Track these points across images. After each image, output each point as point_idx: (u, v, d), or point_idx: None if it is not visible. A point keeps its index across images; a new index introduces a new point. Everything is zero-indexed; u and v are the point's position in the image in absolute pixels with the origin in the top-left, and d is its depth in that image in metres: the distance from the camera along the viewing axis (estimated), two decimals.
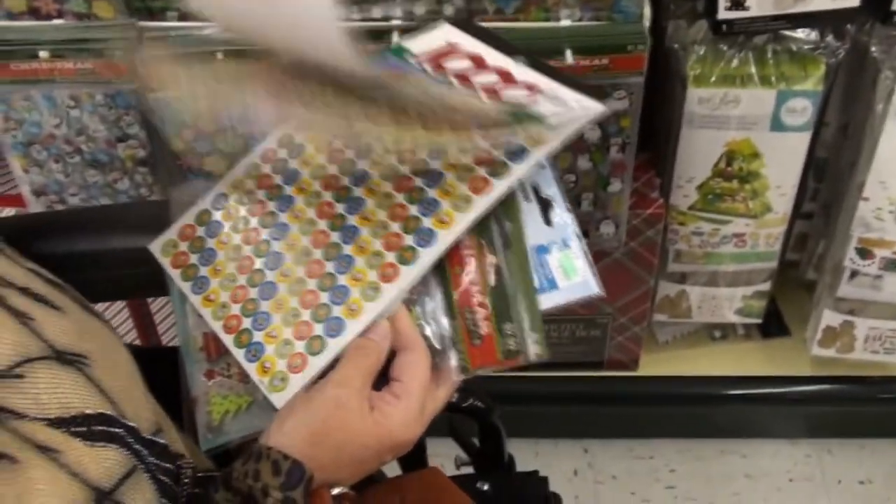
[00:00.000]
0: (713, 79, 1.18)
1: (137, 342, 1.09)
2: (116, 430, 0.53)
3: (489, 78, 0.73)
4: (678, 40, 1.19)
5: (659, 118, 1.28)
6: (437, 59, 0.76)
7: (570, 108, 0.69)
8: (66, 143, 1.11)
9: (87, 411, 0.52)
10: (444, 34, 0.79)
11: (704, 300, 1.45)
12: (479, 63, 0.75)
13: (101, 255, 0.72)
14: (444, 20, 0.81)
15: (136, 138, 1.12)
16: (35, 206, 1.18)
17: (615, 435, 1.61)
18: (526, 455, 1.56)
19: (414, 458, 0.94)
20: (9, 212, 1.26)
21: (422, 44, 0.78)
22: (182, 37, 1.05)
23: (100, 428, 0.52)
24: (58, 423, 0.50)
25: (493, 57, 0.75)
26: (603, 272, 0.70)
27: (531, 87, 0.71)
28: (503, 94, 0.71)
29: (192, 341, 0.70)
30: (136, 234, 0.72)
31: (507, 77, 0.73)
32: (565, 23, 1.05)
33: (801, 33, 1.17)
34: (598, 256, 1.28)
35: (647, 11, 1.06)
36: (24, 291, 0.55)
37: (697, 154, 1.25)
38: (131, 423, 0.55)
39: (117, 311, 1.15)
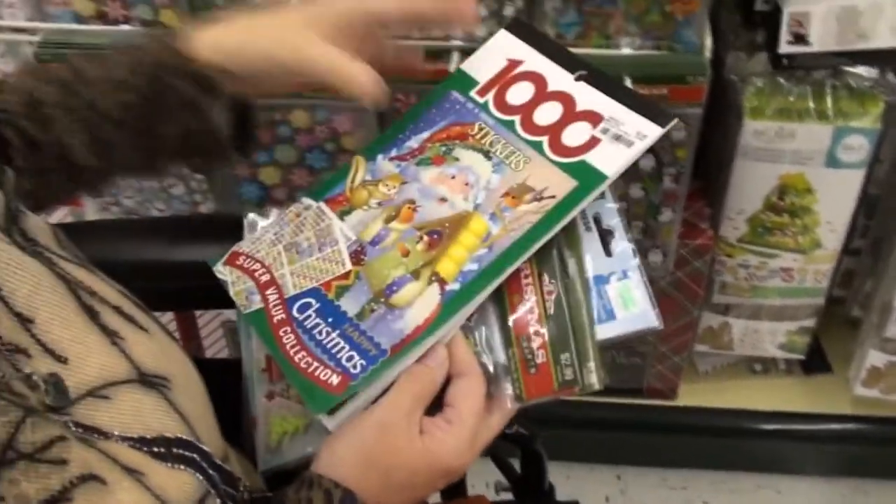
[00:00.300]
0: (770, 112, 1.17)
1: None
2: (192, 454, 0.53)
3: (552, 113, 0.72)
4: (737, 72, 1.18)
5: (712, 148, 1.28)
6: (501, 88, 0.75)
7: (629, 147, 0.69)
8: None
9: (167, 434, 0.52)
10: (503, 47, 0.78)
11: (747, 333, 1.44)
12: (540, 88, 0.74)
13: (168, 265, 0.73)
14: (504, 28, 0.81)
15: None
16: (91, 208, 1.20)
17: (650, 463, 1.60)
18: (558, 478, 1.55)
19: (454, 485, 0.93)
20: (64, 212, 1.28)
21: (483, 65, 0.78)
22: None
23: (178, 451, 0.52)
24: (140, 444, 0.51)
25: (554, 76, 0.74)
26: None
27: (593, 118, 0.71)
28: (564, 140, 0.70)
29: (255, 363, 0.71)
30: (203, 247, 0.72)
31: (569, 106, 0.72)
32: (625, 51, 1.05)
33: (860, 70, 1.17)
34: None
35: (708, 42, 1.05)
36: (117, 310, 0.56)
37: (749, 186, 1.25)
38: (206, 449, 0.55)
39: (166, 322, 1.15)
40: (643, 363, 1.44)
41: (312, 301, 0.67)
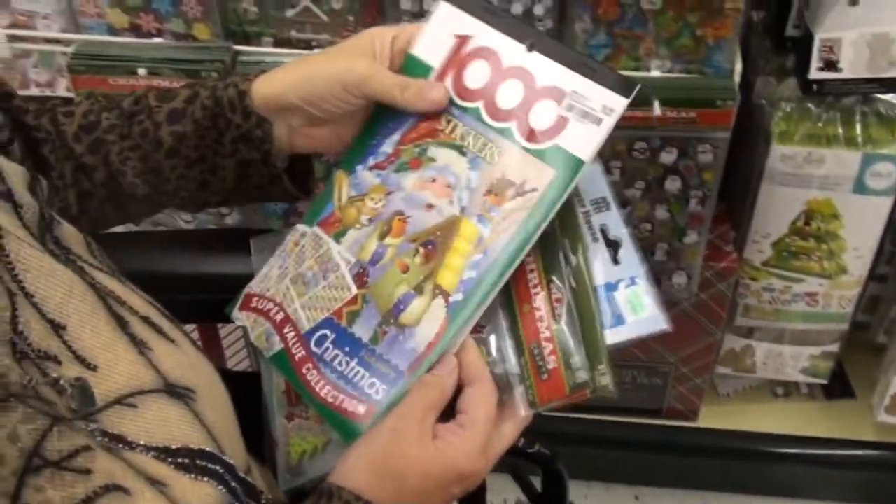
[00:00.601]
0: (798, 137, 1.17)
1: None
2: (216, 466, 0.54)
3: (514, 94, 0.70)
4: (766, 96, 1.18)
5: (738, 171, 1.27)
6: (458, 72, 0.72)
7: (598, 125, 0.68)
8: None
9: (191, 446, 0.53)
10: (448, 22, 0.74)
11: (770, 356, 1.43)
12: (495, 66, 0.71)
13: (194, 278, 0.74)
14: None
15: None
16: None
17: (668, 484, 1.59)
18: (577, 497, 1.55)
19: (474, 501, 0.93)
20: None
21: (433, 45, 0.74)
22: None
23: (202, 463, 0.53)
24: (164, 454, 0.51)
25: (506, 49, 0.71)
26: (670, 321, 0.70)
27: (556, 95, 0.69)
28: (532, 124, 0.69)
29: (274, 386, 0.71)
30: (229, 260, 0.73)
31: (529, 83, 0.70)
32: (655, 73, 1.05)
33: (890, 96, 1.16)
34: (667, 306, 1.26)
35: (738, 66, 1.05)
36: (145, 320, 0.56)
37: (775, 210, 1.24)
38: (230, 461, 0.55)
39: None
40: (664, 384, 1.44)
41: (328, 332, 0.68)
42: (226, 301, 0.73)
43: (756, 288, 1.33)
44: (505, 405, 0.66)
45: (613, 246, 0.71)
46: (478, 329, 0.67)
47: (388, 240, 0.69)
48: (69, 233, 0.58)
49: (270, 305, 0.72)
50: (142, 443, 0.50)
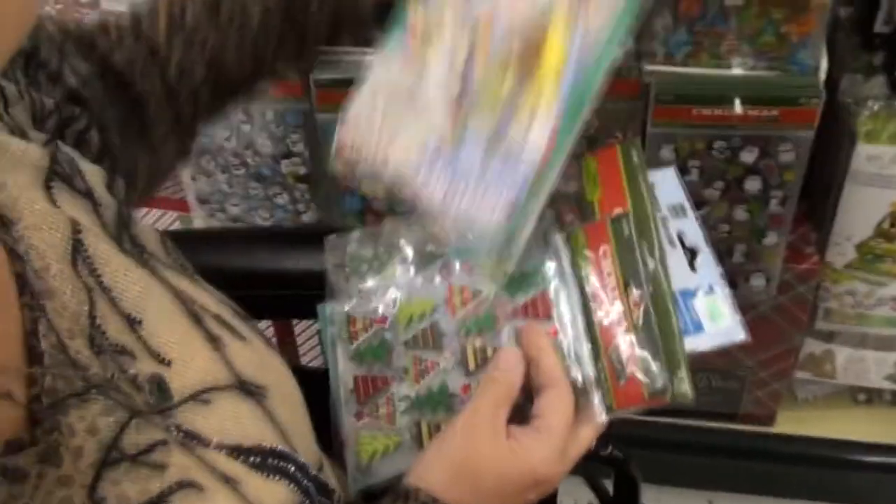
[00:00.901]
0: (885, 136, 1.13)
1: None
2: (289, 465, 0.54)
3: None
4: (851, 94, 1.15)
5: (820, 171, 1.24)
6: None
7: None
8: (234, 155, 1.16)
9: (264, 444, 0.53)
10: None
11: (851, 362, 1.39)
12: None
13: (273, 274, 0.75)
14: None
15: (299, 156, 1.15)
16: (198, 213, 1.24)
17: (743, 490, 1.56)
18: (648, 500, 1.53)
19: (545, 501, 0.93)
20: (173, 217, 1.32)
21: None
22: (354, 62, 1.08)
23: (274, 462, 0.53)
24: (237, 452, 0.52)
25: None
26: (748, 325, 0.68)
27: None
28: None
29: (343, 384, 0.72)
30: (304, 257, 0.74)
31: None
32: (737, 71, 1.03)
33: None
34: (745, 309, 1.24)
35: (824, 63, 1.03)
36: (217, 318, 0.57)
37: (860, 212, 1.20)
38: (302, 460, 0.56)
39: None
40: (740, 388, 1.41)
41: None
42: (302, 297, 0.74)
43: (838, 291, 1.29)
44: (581, 409, 0.65)
45: (691, 252, 0.70)
46: (554, 332, 0.67)
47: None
48: (144, 231, 0.59)
49: None
50: (215, 440, 0.51)
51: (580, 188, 0.73)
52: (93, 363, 0.47)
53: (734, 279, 1.20)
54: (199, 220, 1.24)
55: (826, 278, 1.28)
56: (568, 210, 0.72)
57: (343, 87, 1.06)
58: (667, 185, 0.74)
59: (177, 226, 1.33)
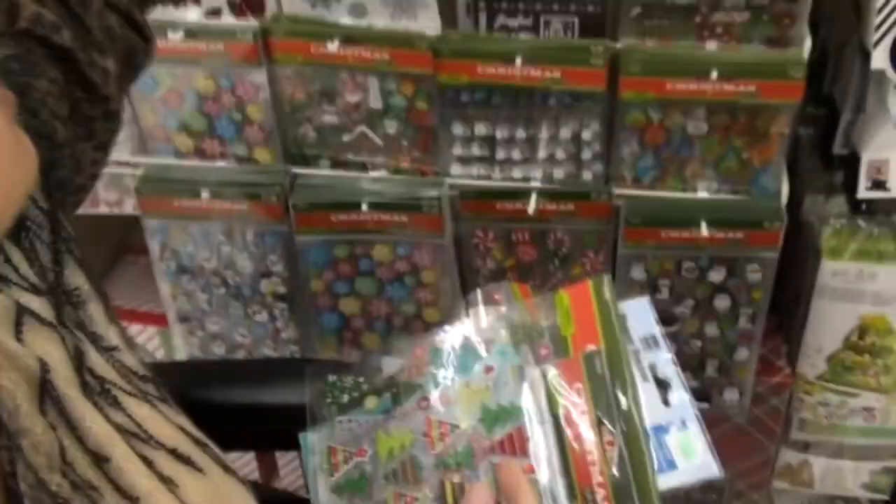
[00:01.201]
0: (849, 253, 1.16)
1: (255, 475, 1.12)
2: None
3: None
4: (815, 213, 1.18)
5: (789, 285, 1.27)
6: None
7: None
8: (215, 274, 1.18)
9: None
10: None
11: (828, 472, 1.40)
12: None
13: (253, 408, 0.76)
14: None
15: (278, 275, 1.17)
16: (176, 329, 1.25)
17: None
18: None
19: None
20: (151, 332, 1.33)
21: None
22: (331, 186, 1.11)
23: None
24: None
25: None
26: (723, 437, 0.70)
27: None
28: None
29: None
30: (287, 390, 0.75)
31: None
32: (702, 195, 1.07)
33: None
34: (720, 421, 1.26)
35: (785, 188, 1.07)
36: (172, 452, 0.58)
37: (829, 325, 1.23)
38: None
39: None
40: (719, 499, 1.41)
41: None
42: (280, 431, 0.75)
43: (811, 402, 1.31)
44: None
45: (663, 386, 0.72)
46: (530, 469, 0.68)
47: None
48: (98, 362, 0.60)
49: None
50: None
51: (554, 323, 0.75)
52: (73, 497, 0.48)
53: (708, 393, 1.22)
54: (178, 338, 1.25)
55: (799, 390, 1.30)
56: (543, 345, 0.74)
57: (320, 210, 1.11)
58: (640, 316, 0.76)
59: (156, 341, 1.34)
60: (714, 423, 0.75)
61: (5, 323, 0.53)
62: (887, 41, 1.00)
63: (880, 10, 0.98)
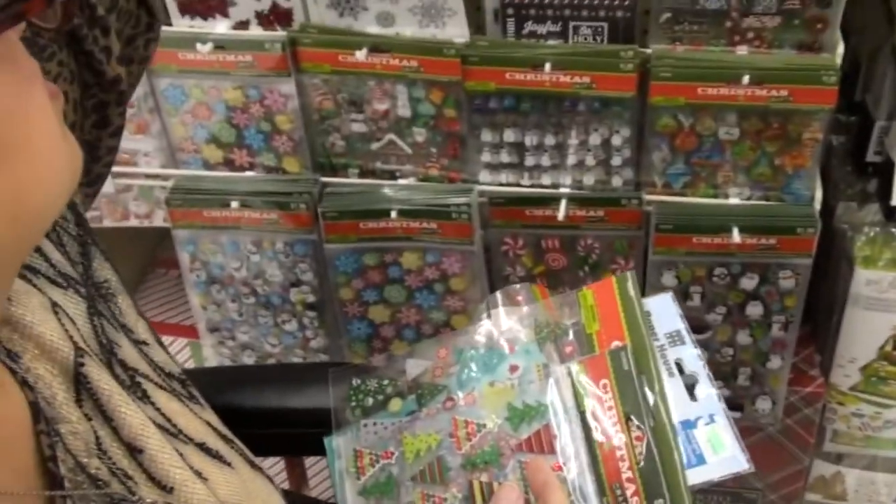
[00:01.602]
0: (883, 262, 1.15)
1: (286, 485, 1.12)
2: None
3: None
4: (848, 221, 1.17)
5: (822, 294, 1.26)
6: None
7: None
8: (244, 284, 1.18)
9: None
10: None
11: (862, 484, 1.38)
12: None
13: (279, 412, 0.75)
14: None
15: (308, 284, 1.17)
16: (207, 340, 1.25)
17: None
18: None
19: None
20: (182, 343, 1.34)
21: None
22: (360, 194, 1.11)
23: None
24: None
25: None
26: (756, 447, 0.69)
27: None
28: None
29: None
30: (311, 395, 0.75)
31: None
32: (734, 200, 1.06)
33: None
34: (752, 431, 1.25)
35: (819, 194, 1.05)
36: (201, 447, 0.58)
37: (862, 335, 1.21)
38: None
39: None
40: None
41: None
42: (307, 435, 0.75)
43: (845, 413, 1.29)
44: None
45: (690, 381, 0.71)
46: (558, 466, 0.68)
47: None
48: (131, 353, 0.60)
49: None
50: None
51: (579, 321, 0.75)
52: (111, 480, 0.48)
53: (740, 402, 1.21)
54: (209, 348, 1.25)
55: (832, 400, 1.28)
56: (567, 343, 0.73)
57: (349, 219, 1.11)
58: (664, 311, 0.76)
59: (187, 352, 1.34)
60: (746, 433, 0.74)
61: (40, 312, 0.53)
62: None
63: None
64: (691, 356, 0.73)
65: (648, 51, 1.00)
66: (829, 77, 0.96)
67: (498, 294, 0.80)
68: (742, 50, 1.00)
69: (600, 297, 0.76)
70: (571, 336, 0.74)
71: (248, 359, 1.24)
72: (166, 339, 1.33)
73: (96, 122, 0.65)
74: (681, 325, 0.75)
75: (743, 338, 1.14)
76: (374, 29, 1.06)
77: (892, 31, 1.06)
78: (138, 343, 0.61)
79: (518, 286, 0.82)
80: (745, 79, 0.97)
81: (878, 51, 1.12)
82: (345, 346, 1.21)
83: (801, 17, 0.97)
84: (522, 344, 0.74)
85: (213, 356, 1.26)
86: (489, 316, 0.75)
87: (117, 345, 0.58)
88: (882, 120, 1.12)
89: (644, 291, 1.04)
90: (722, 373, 1.17)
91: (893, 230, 1.14)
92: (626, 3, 0.99)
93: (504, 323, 0.75)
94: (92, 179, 0.68)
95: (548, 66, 0.99)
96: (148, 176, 1.16)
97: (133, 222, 1.22)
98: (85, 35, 0.62)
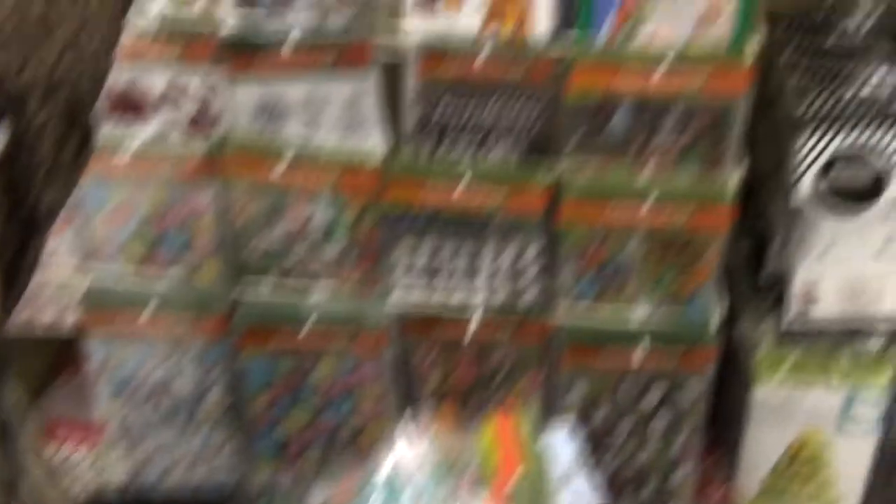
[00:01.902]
0: (780, 374, 1.19)
1: None
2: None
3: None
4: (747, 335, 1.22)
5: (725, 406, 1.29)
6: None
7: None
8: (154, 391, 1.16)
9: None
10: None
11: None
12: None
13: None
14: None
15: (219, 393, 1.16)
16: (112, 449, 1.22)
17: None
18: None
19: None
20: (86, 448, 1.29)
21: None
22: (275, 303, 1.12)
23: None
24: None
25: None
26: None
27: None
28: None
29: None
30: None
31: None
32: (639, 315, 1.09)
33: (870, 336, 1.20)
34: None
35: (719, 310, 1.10)
36: None
37: (763, 446, 1.25)
38: None
39: None
40: None
41: None
42: None
43: None
44: None
45: None
46: None
47: None
48: None
49: None
50: None
51: (478, 456, 0.77)
52: None
53: None
54: (114, 456, 1.22)
55: None
56: (467, 478, 0.75)
57: (264, 328, 1.10)
58: (561, 445, 0.78)
59: (91, 459, 1.30)
60: None
61: None
62: (810, 175, 1.06)
63: (801, 147, 1.04)
64: (585, 488, 0.75)
65: (561, 166, 1.04)
66: (724, 203, 1.02)
67: (405, 425, 0.81)
68: (648, 171, 1.05)
69: (500, 432, 0.78)
70: (471, 471, 0.76)
71: (155, 468, 1.21)
72: (69, 445, 1.29)
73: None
74: (577, 459, 0.78)
75: (649, 450, 1.16)
76: (299, 132, 1.07)
77: (783, 159, 1.12)
78: None
79: (426, 415, 0.84)
80: (649, 201, 1.02)
81: (773, 173, 1.18)
82: (255, 457, 1.19)
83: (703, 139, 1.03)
84: (422, 479, 0.75)
85: (118, 465, 1.23)
86: (395, 446, 0.77)
87: None
88: (778, 239, 1.18)
89: (552, 403, 1.07)
90: (629, 485, 1.19)
91: (791, 343, 1.19)
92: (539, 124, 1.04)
93: (406, 457, 0.76)
94: None
95: (462, 184, 1.03)
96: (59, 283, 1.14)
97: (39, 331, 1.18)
98: None
